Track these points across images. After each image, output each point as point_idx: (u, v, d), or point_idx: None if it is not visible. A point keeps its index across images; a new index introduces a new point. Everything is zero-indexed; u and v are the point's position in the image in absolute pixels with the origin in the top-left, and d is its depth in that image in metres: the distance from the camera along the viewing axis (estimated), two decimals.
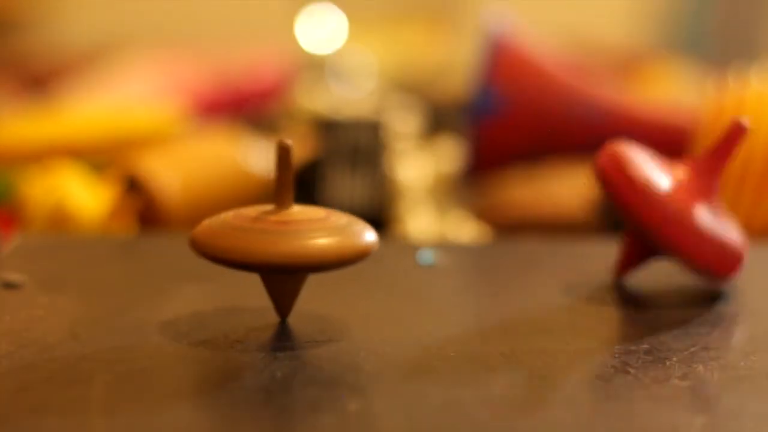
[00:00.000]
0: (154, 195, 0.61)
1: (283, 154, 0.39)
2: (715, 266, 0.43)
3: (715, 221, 0.44)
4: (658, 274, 0.48)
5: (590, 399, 0.33)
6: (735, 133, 0.44)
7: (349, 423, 0.31)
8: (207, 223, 0.39)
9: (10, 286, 0.44)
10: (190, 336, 0.39)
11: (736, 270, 0.44)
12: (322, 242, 0.37)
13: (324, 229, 0.38)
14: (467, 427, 0.31)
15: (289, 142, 0.39)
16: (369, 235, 0.39)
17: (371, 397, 0.33)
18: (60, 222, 0.60)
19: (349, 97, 0.97)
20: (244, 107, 1.03)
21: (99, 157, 0.73)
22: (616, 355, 0.37)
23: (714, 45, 2.18)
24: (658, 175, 0.44)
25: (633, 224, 0.43)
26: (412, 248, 0.51)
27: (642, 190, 0.42)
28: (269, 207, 0.39)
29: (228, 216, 0.39)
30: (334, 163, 0.70)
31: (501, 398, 0.33)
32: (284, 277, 0.39)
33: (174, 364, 0.36)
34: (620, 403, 0.33)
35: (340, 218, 0.39)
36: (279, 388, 0.34)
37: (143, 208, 0.61)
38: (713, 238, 0.43)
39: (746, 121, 0.44)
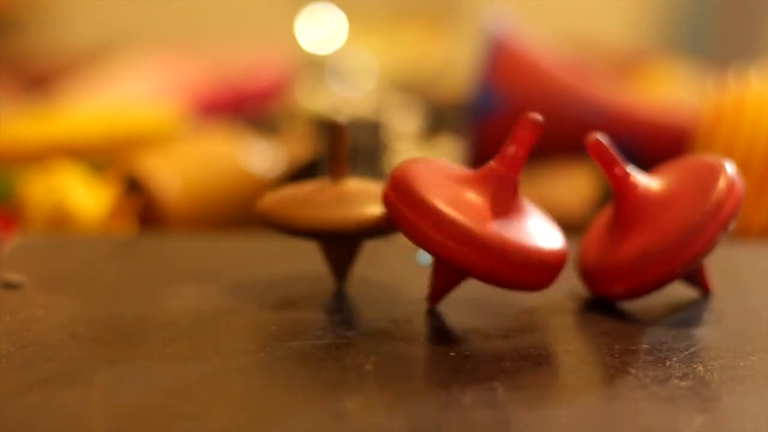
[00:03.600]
0: (154, 195, 0.61)
1: (337, 132, 0.43)
2: (519, 280, 0.38)
3: (515, 231, 0.38)
4: None
5: (590, 399, 0.33)
6: (527, 130, 0.40)
7: (349, 423, 0.31)
8: (271, 197, 0.43)
9: (10, 286, 0.44)
10: (189, 336, 0.38)
11: (547, 279, 0.39)
12: (376, 210, 0.41)
13: (378, 199, 0.42)
14: (467, 427, 0.31)
15: (342, 120, 0.43)
16: None
17: (371, 397, 0.33)
18: (60, 222, 0.60)
19: (349, 97, 0.97)
20: (244, 107, 1.03)
21: (99, 157, 0.73)
22: (616, 355, 0.37)
23: (714, 45, 2.18)
24: (445, 192, 0.38)
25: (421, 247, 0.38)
26: (412, 248, 0.51)
27: (425, 214, 0.37)
28: (326, 182, 0.43)
29: (288, 191, 0.43)
30: None
31: (501, 398, 0.33)
32: (342, 244, 0.43)
33: (173, 364, 0.36)
34: (620, 403, 0.33)
35: None
36: (279, 388, 0.34)
37: (143, 208, 0.61)
38: (509, 252, 0.37)
39: (537, 116, 0.40)
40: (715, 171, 0.41)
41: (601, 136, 0.42)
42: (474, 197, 0.39)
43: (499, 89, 0.68)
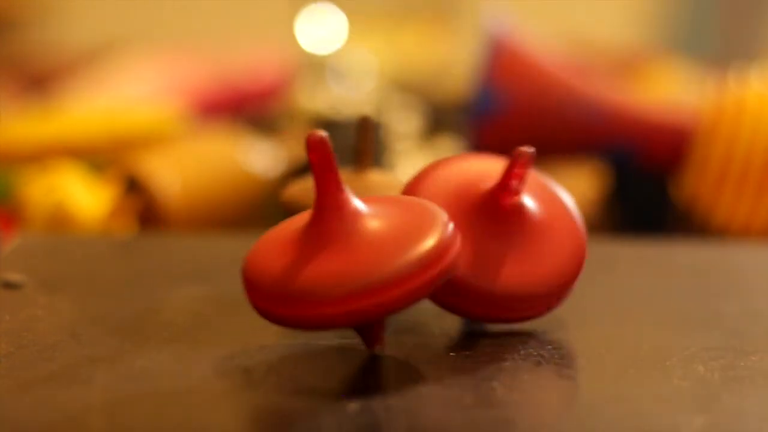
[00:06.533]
0: (154, 195, 0.61)
1: (364, 126, 0.44)
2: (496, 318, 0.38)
3: (503, 268, 0.38)
4: (659, 272, 0.48)
5: (590, 399, 0.33)
6: (520, 164, 0.38)
7: (349, 423, 0.31)
8: (296, 187, 0.44)
9: (10, 286, 0.44)
10: (189, 336, 0.39)
11: (535, 314, 0.39)
12: None
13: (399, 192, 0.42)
14: (467, 427, 0.31)
15: (370, 115, 0.44)
16: None
17: (371, 397, 0.33)
18: (60, 222, 0.60)
19: (349, 97, 0.97)
20: (244, 107, 1.03)
21: (99, 157, 0.73)
22: (616, 356, 0.37)
23: (714, 45, 2.18)
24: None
25: None
26: None
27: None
28: (350, 172, 0.44)
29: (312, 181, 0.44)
30: None
31: (501, 398, 0.33)
32: None
33: (173, 364, 0.36)
34: (620, 403, 0.33)
35: None
36: (279, 389, 0.34)
37: (143, 208, 0.61)
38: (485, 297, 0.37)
39: (529, 150, 0.38)
40: (430, 225, 0.35)
41: (324, 135, 0.35)
42: (472, 235, 0.38)
43: (499, 89, 0.68)
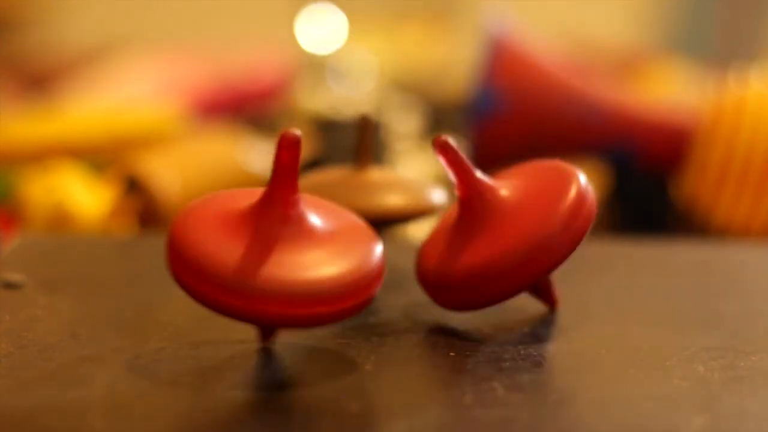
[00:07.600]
0: (154, 195, 0.61)
1: (364, 124, 0.45)
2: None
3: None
4: (659, 272, 0.48)
5: (590, 399, 0.33)
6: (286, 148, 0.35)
7: (349, 423, 0.31)
8: (303, 182, 0.44)
9: (10, 286, 0.44)
10: (190, 335, 0.38)
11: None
12: (398, 200, 0.43)
13: (400, 189, 0.44)
14: (467, 427, 0.31)
15: (370, 115, 0.45)
16: (437, 195, 0.44)
17: (371, 397, 0.33)
18: (60, 222, 0.60)
19: (349, 97, 0.97)
20: (244, 107, 1.03)
21: (99, 157, 0.73)
22: (616, 356, 0.37)
23: (714, 45, 2.18)
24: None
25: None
26: (412, 248, 0.51)
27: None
28: (350, 170, 0.45)
29: (312, 178, 0.44)
30: (334, 163, 0.70)
31: (501, 399, 0.33)
32: None
33: (174, 363, 0.36)
34: (620, 403, 0.33)
35: (412, 180, 0.45)
36: (279, 388, 0.34)
37: (143, 208, 0.61)
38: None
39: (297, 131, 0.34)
40: (567, 181, 0.38)
41: (447, 137, 0.37)
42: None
43: (499, 89, 0.68)
